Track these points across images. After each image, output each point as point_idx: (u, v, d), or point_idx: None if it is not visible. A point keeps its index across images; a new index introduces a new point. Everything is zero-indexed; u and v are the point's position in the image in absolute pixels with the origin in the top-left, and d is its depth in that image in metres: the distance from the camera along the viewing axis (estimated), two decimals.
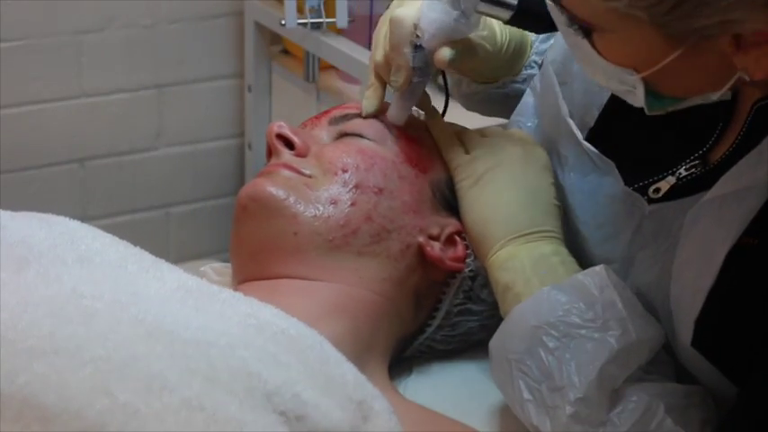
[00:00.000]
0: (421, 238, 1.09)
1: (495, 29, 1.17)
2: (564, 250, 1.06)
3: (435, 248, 1.09)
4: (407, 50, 1.08)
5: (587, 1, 0.87)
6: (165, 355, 0.80)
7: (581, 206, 1.09)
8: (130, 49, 2.28)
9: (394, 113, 1.14)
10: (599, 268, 1.00)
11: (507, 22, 1.09)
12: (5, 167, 2.25)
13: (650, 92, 0.93)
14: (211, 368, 0.80)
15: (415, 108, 1.20)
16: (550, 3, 0.92)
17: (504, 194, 1.07)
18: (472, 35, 1.11)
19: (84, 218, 2.24)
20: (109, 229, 1.02)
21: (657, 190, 1.03)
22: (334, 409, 0.84)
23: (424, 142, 1.14)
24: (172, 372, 0.79)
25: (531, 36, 1.22)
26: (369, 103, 1.14)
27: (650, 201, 1.03)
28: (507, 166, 1.08)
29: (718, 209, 0.95)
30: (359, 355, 1.00)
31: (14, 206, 1.03)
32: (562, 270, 1.03)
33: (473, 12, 1.08)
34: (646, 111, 0.95)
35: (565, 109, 1.11)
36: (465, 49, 1.11)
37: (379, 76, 1.14)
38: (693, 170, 1.01)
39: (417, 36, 1.08)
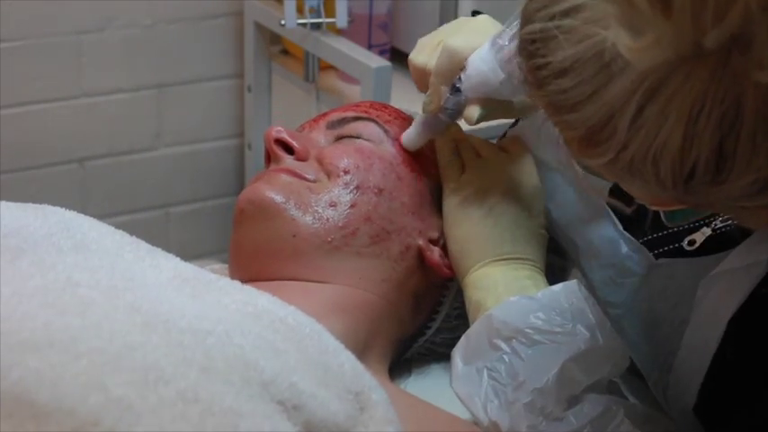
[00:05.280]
0: (421, 241, 1.09)
1: None
2: (541, 278, 1.06)
3: (435, 254, 1.09)
4: (445, 89, 1.05)
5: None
6: (161, 345, 0.79)
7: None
8: (130, 49, 2.27)
9: (409, 138, 1.11)
10: (572, 282, 1.01)
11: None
12: (5, 167, 2.24)
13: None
14: (208, 358, 0.80)
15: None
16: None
17: (489, 218, 1.07)
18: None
19: None
20: None
21: (692, 242, 1.02)
22: (332, 400, 0.84)
23: (422, 146, 1.13)
24: (168, 362, 0.78)
25: None
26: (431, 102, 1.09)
27: (683, 252, 1.02)
28: (495, 192, 1.08)
29: (729, 280, 0.94)
30: (358, 355, 0.99)
31: None
32: (534, 291, 1.02)
33: (519, 81, 0.98)
34: (665, 221, 1.00)
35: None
36: (498, 107, 1.07)
37: (421, 78, 1.10)
38: (729, 222, 1.00)
39: (460, 79, 1.03)
